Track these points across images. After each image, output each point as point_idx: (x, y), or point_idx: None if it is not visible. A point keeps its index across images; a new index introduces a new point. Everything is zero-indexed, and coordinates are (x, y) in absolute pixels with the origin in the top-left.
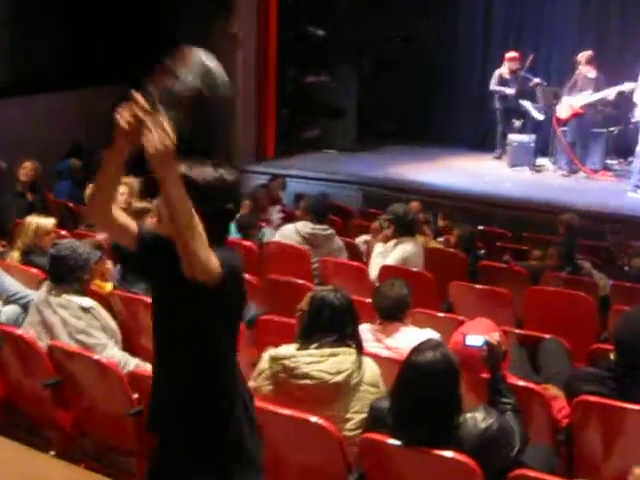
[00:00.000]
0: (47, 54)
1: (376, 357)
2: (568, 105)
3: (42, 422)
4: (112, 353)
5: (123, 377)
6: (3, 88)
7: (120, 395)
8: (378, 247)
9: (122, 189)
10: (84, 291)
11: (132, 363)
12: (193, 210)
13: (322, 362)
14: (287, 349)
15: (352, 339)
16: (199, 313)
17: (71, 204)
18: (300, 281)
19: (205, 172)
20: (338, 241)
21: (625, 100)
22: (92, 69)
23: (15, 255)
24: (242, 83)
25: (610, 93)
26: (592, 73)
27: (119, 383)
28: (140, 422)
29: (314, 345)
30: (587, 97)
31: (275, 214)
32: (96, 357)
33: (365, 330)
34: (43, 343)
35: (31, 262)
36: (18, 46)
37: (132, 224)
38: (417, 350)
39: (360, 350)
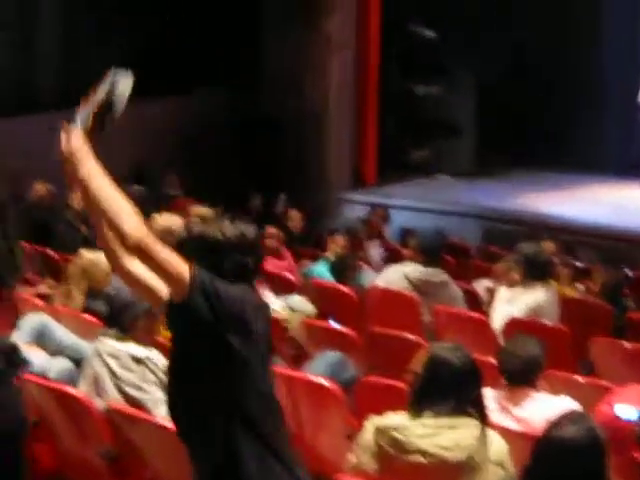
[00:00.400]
0: (103, 62)
1: (502, 430)
2: None
3: None
4: (162, 412)
5: None
6: (51, 101)
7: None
8: (503, 292)
9: (194, 221)
10: (138, 338)
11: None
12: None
13: (439, 435)
14: (396, 418)
15: (475, 407)
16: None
17: None
18: (409, 336)
19: (224, 227)
20: (454, 288)
21: None
22: (153, 79)
23: (77, 299)
24: (337, 95)
25: None
26: None
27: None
28: None
29: (429, 414)
30: None
31: (374, 251)
32: (162, 422)
33: (488, 397)
34: (98, 404)
35: (90, 308)
36: (70, 55)
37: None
38: (556, 424)
39: (484, 421)
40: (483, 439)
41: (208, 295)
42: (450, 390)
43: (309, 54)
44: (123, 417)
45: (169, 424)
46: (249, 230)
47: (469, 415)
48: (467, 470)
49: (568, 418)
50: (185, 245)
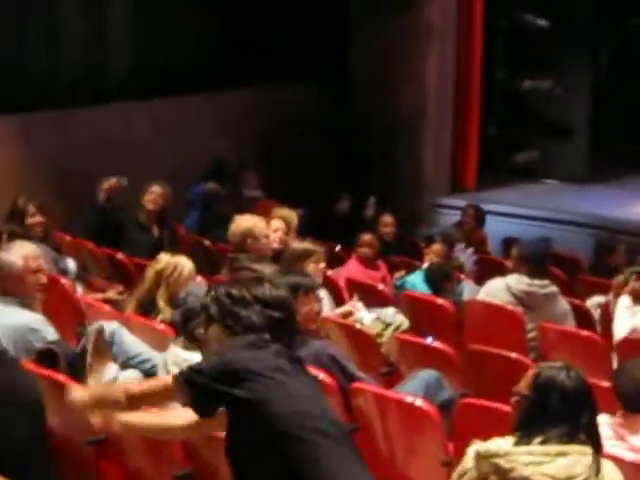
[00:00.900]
0: (180, 49)
1: (617, 460)
2: None
3: None
4: None
5: None
6: (123, 88)
7: None
8: (624, 301)
9: (276, 224)
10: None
11: None
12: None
13: (547, 463)
14: (500, 444)
15: (587, 434)
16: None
17: (207, 242)
18: (512, 354)
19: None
20: (562, 302)
21: None
22: (236, 71)
23: (165, 310)
24: (435, 90)
25: None
26: None
27: None
28: None
29: (537, 440)
30: None
31: (465, 256)
32: None
33: (603, 424)
34: None
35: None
36: (144, 39)
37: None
38: None
39: (598, 449)
40: (596, 469)
41: (195, 382)
42: (561, 415)
43: (405, 45)
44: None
45: None
46: (279, 291)
47: (581, 443)
48: None
49: None
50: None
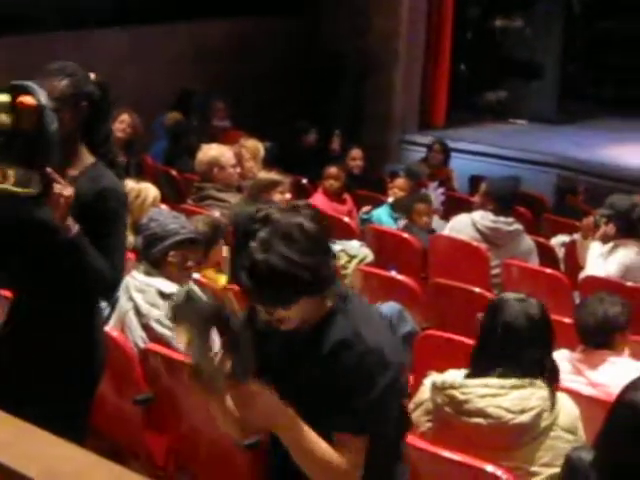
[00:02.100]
0: None
1: (574, 394)
2: None
3: (130, 449)
4: None
5: None
6: (103, 17)
7: None
8: (596, 247)
9: (241, 151)
10: (168, 273)
11: None
12: (315, 447)
13: (502, 396)
14: (455, 376)
15: (543, 368)
16: None
17: (173, 171)
18: (475, 289)
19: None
20: (527, 240)
21: None
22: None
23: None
24: (407, 27)
25: None
26: None
27: None
28: (257, 457)
29: (493, 373)
30: None
31: (434, 192)
32: None
33: (562, 358)
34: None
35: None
36: None
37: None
38: (633, 387)
39: (554, 383)
40: (552, 402)
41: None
42: (519, 346)
43: None
44: (160, 359)
45: None
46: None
47: (537, 376)
48: (533, 435)
49: None
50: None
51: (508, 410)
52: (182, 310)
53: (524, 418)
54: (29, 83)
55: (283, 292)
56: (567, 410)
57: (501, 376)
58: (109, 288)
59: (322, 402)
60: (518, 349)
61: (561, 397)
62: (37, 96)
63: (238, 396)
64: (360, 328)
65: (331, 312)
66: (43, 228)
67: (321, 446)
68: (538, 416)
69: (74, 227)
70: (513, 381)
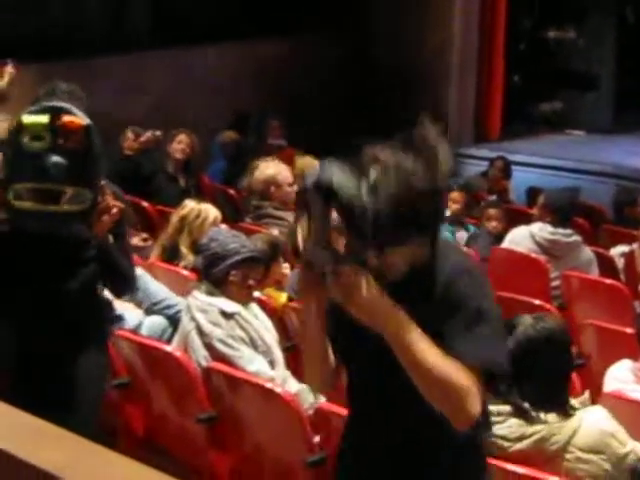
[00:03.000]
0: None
1: (638, 405)
2: None
3: (194, 468)
4: (261, 369)
5: (302, 412)
6: (143, 38)
7: (297, 437)
8: None
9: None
10: (230, 293)
11: (294, 386)
12: (430, 352)
13: (499, 423)
14: None
15: (556, 391)
16: None
17: (231, 190)
18: (535, 301)
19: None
20: (587, 251)
21: None
22: (257, 20)
23: (187, 256)
24: (459, 40)
25: None
26: None
27: (297, 420)
28: (321, 475)
29: (499, 399)
30: None
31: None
32: (266, 384)
33: (625, 368)
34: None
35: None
36: None
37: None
38: None
39: (566, 405)
40: (563, 421)
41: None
42: (529, 370)
43: None
44: (223, 378)
45: (275, 387)
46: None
47: (546, 402)
48: (539, 460)
49: None
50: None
51: (505, 438)
52: (309, 194)
53: (522, 445)
54: (64, 104)
55: (401, 227)
56: (588, 430)
57: (506, 402)
58: (134, 284)
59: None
60: (528, 372)
61: (585, 415)
62: (79, 116)
63: (344, 284)
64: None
65: (433, 256)
66: (79, 241)
67: (438, 353)
68: (542, 441)
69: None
70: (509, 408)
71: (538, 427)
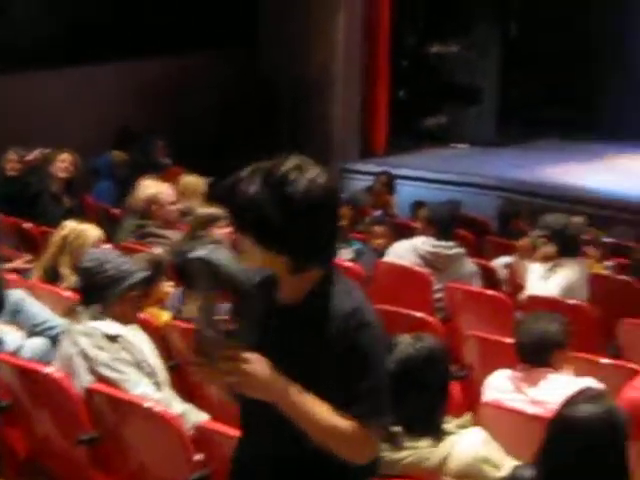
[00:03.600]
0: (90, 14)
1: (516, 414)
2: None
3: None
4: (147, 392)
5: (184, 432)
6: (29, 57)
7: (179, 456)
8: (535, 269)
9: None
10: (113, 315)
11: (178, 407)
12: (323, 414)
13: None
14: None
15: (428, 416)
16: None
17: (116, 210)
18: (417, 314)
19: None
20: (469, 263)
21: None
22: (143, 38)
23: (69, 277)
24: (344, 56)
25: None
26: None
27: (178, 440)
28: None
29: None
30: None
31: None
32: (147, 404)
33: (503, 377)
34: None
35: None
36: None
37: None
38: (571, 402)
39: (439, 427)
40: (433, 446)
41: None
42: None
43: (312, 11)
44: (105, 399)
45: (156, 407)
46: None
47: (419, 425)
48: None
49: (584, 396)
50: None
51: None
52: (198, 271)
53: (394, 471)
54: None
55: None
56: (461, 455)
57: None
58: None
59: (323, 380)
60: (404, 395)
61: (459, 440)
62: None
63: (234, 363)
64: (356, 302)
65: (321, 282)
66: None
67: (329, 412)
68: (411, 466)
69: None
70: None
71: (405, 453)
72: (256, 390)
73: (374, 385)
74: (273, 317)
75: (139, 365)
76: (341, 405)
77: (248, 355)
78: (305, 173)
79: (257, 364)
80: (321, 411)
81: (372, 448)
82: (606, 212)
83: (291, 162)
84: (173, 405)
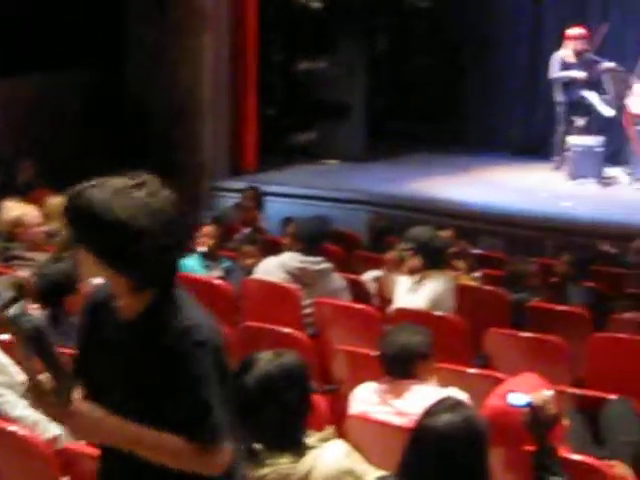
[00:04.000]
0: None
1: (382, 425)
2: None
3: None
4: (24, 414)
5: (49, 455)
6: None
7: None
8: (403, 282)
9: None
10: None
11: (55, 430)
12: (160, 443)
13: None
14: None
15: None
16: None
17: None
18: (285, 329)
19: (127, 203)
20: (336, 278)
21: None
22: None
23: None
24: (211, 75)
25: None
26: None
27: (44, 462)
28: None
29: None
30: None
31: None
32: (10, 428)
33: (369, 390)
34: None
35: None
36: None
37: None
38: (429, 412)
39: (300, 442)
40: (294, 465)
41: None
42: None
43: (179, 31)
44: None
45: (20, 430)
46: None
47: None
48: None
49: (443, 405)
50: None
51: None
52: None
53: None
54: None
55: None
56: (324, 468)
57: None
58: None
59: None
60: (264, 411)
61: (322, 453)
62: None
63: (59, 415)
64: (193, 320)
65: (159, 300)
66: None
67: (161, 436)
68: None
69: None
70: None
71: (266, 470)
72: (92, 437)
73: (204, 403)
74: (113, 331)
75: (13, 387)
76: (176, 422)
77: (70, 408)
78: (128, 196)
79: (81, 415)
80: (158, 440)
81: (214, 461)
82: (473, 224)
83: (118, 183)
84: (49, 428)
